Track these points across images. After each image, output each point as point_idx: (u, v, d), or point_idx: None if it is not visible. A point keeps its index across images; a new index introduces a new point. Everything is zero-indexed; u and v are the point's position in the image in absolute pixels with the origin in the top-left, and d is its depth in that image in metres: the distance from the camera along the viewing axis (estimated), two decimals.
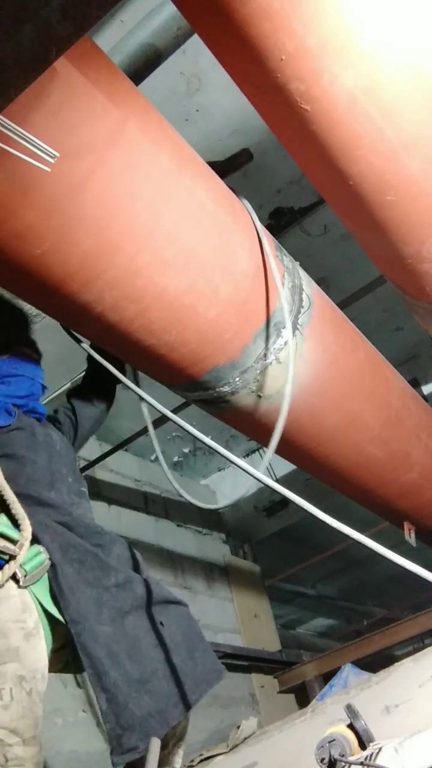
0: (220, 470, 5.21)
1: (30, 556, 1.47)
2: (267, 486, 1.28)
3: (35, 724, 1.36)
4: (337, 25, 1.10)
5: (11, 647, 1.38)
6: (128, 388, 1.53)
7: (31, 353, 1.99)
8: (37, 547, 1.50)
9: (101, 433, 4.32)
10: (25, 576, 1.45)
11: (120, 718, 1.44)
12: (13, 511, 1.49)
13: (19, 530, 1.47)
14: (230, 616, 4.64)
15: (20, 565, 1.44)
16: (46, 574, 1.51)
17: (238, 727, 1.90)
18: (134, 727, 1.44)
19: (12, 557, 1.44)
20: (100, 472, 4.18)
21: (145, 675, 1.52)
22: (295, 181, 2.97)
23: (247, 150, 2.22)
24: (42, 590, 1.50)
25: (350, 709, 1.26)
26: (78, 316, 1.45)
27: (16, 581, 1.45)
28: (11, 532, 1.47)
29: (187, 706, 1.59)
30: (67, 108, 1.14)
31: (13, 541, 1.45)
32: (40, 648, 1.44)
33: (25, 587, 1.46)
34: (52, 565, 1.51)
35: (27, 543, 1.45)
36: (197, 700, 1.61)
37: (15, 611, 1.42)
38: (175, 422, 1.39)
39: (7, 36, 0.82)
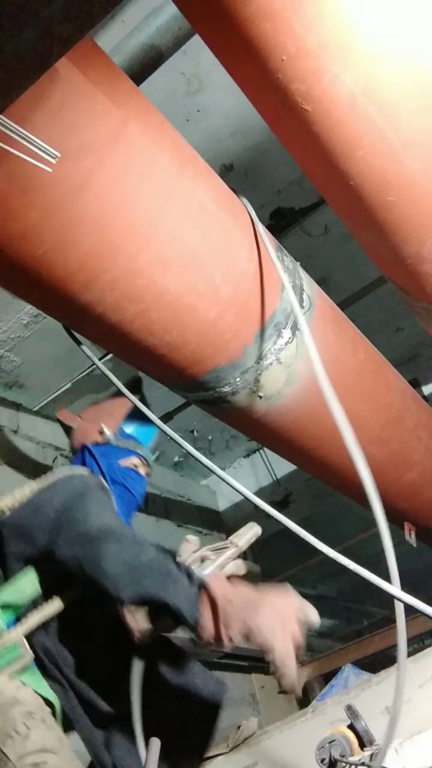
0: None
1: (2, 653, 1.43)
2: (246, 497, 1.30)
3: (60, 737, 1.35)
4: (338, 26, 1.11)
5: (9, 699, 1.37)
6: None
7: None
8: (12, 644, 1.44)
9: None
10: None
11: None
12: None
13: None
14: None
15: None
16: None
17: (239, 727, 1.89)
18: None
19: None
20: None
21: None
22: (295, 181, 2.97)
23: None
24: (33, 678, 1.46)
25: (351, 710, 1.26)
26: (78, 317, 1.45)
27: None
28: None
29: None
30: (69, 108, 1.15)
31: None
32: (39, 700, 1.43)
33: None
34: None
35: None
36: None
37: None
38: (161, 429, 1.39)
39: (9, 37, 0.82)
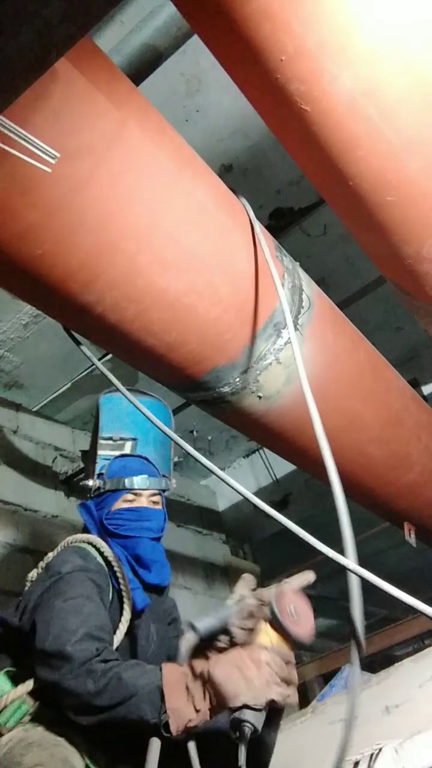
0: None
1: (10, 713, 1.46)
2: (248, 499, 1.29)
3: (53, 753, 1.36)
4: (337, 26, 1.11)
5: (17, 742, 1.40)
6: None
7: None
8: (16, 702, 1.47)
9: None
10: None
11: None
12: None
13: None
14: None
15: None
16: None
17: None
18: None
19: None
20: None
21: None
22: (295, 181, 2.97)
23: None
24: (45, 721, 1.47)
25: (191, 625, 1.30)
26: (78, 317, 1.45)
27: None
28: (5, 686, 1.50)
29: None
30: (68, 109, 1.15)
31: None
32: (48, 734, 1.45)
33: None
34: None
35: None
36: None
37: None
38: (159, 427, 1.39)
39: (8, 37, 0.82)
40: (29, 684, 1.47)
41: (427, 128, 1.24)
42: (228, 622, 1.45)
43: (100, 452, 1.96)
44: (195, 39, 1.53)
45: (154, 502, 1.89)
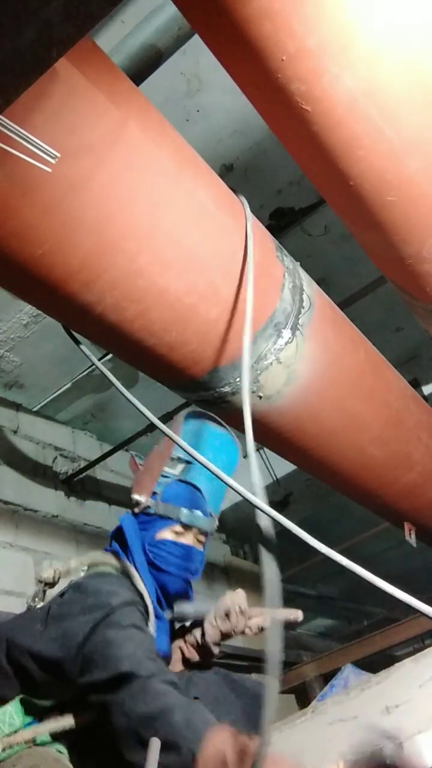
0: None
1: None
2: (247, 500, 1.28)
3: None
4: (338, 26, 1.11)
5: None
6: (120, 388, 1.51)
7: None
8: (21, 743, 1.42)
9: (101, 433, 4.32)
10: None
11: None
12: None
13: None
14: None
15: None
16: None
17: None
18: None
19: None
20: (100, 472, 4.18)
21: None
22: (295, 181, 2.97)
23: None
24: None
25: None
26: (78, 317, 1.45)
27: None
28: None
29: None
30: (68, 109, 1.15)
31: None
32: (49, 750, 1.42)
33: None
34: None
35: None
36: None
37: None
38: (161, 429, 1.36)
39: (8, 37, 0.82)
40: (61, 722, 1.39)
41: (427, 128, 1.24)
42: (204, 617, 1.48)
43: (165, 469, 1.79)
44: (196, 39, 1.53)
45: (200, 541, 1.78)
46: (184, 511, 1.73)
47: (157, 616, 1.59)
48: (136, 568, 1.62)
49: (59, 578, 1.72)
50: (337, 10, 1.09)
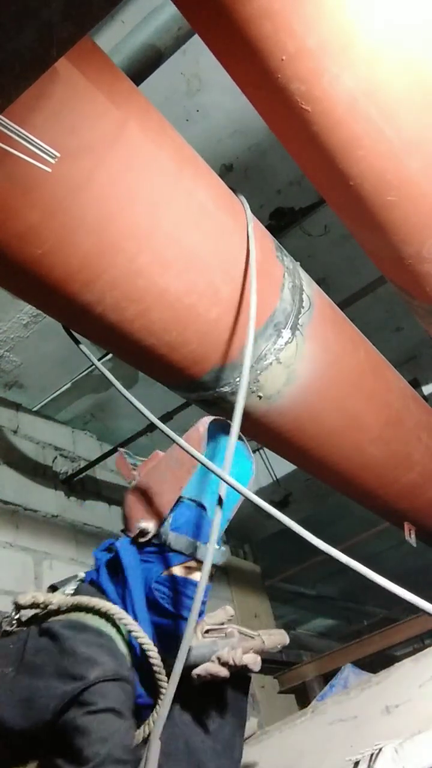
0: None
1: None
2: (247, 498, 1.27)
3: None
4: (338, 26, 1.11)
5: None
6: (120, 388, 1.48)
7: None
8: None
9: (101, 433, 4.32)
10: None
11: None
12: None
13: None
14: None
15: None
16: None
17: None
18: None
19: None
20: (100, 472, 4.18)
21: None
22: (295, 181, 2.97)
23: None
24: None
25: None
26: (79, 317, 1.45)
27: None
28: None
29: None
30: (68, 109, 1.15)
31: None
32: None
33: None
34: None
35: None
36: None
37: None
38: (161, 429, 1.33)
39: (8, 37, 0.82)
40: None
41: (427, 128, 1.24)
42: (202, 661, 1.31)
43: (185, 495, 1.47)
44: (196, 38, 1.53)
45: (211, 575, 1.44)
46: (201, 546, 1.47)
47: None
48: (134, 610, 1.36)
49: (37, 606, 1.36)
50: (337, 10, 1.09)
